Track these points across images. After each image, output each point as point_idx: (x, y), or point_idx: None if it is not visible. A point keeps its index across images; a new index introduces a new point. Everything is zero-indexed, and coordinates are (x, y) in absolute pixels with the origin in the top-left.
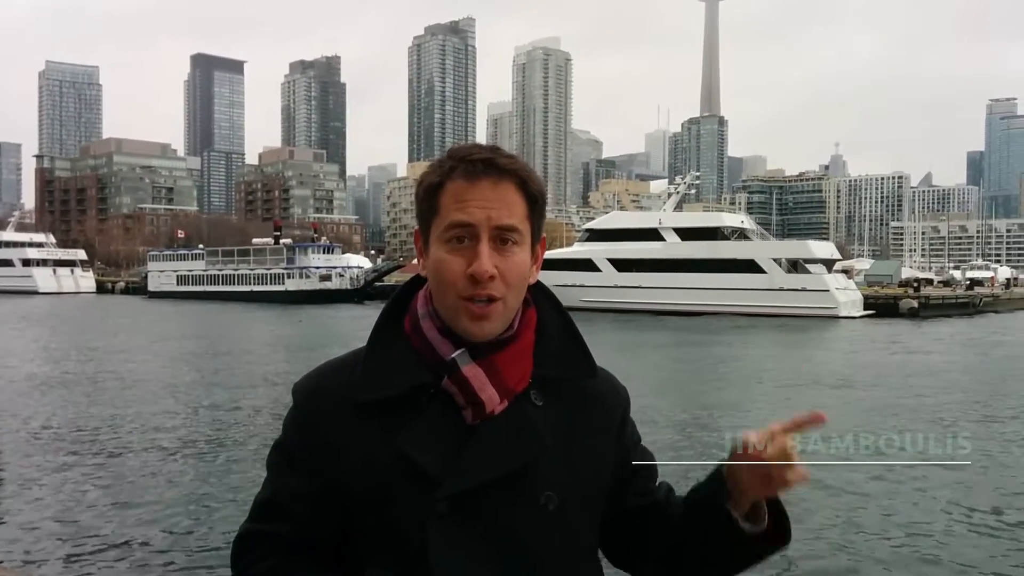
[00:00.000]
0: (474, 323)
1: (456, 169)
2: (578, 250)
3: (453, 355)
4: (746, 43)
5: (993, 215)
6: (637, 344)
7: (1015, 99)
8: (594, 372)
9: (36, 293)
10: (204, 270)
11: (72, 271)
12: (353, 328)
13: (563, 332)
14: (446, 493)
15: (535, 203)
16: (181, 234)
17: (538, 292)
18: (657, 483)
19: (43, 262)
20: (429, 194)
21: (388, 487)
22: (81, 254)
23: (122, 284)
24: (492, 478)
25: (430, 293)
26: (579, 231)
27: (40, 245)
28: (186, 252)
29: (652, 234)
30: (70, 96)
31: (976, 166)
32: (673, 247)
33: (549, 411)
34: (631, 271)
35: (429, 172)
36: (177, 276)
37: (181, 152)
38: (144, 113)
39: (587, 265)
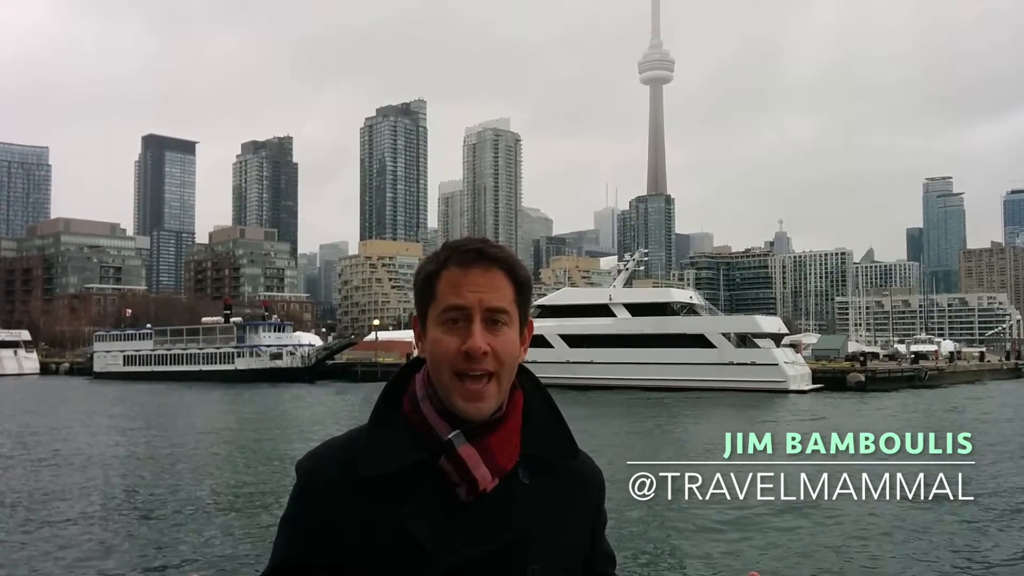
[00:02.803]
0: (469, 404)
1: (450, 259)
2: None
3: (450, 436)
4: (690, 124)
5: (934, 290)
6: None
7: (950, 178)
8: (576, 452)
9: None
10: (152, 350)
11: (15, 352)
12: (304, 409)
13: (547, 413)
14: (441, 567)
15: (521, 288)
16: (128, 313)
17: (523, 375)
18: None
19: None
20: (427, 282)
21: (385, 561)
22: (25, 335)
23: (67, 365)
24: (485, 553)
25: (428, 375)
26: (531, 307)
27: None
28: (133, 332)
29: (603, 310)
30: (18, 176)
31: (916, 242)
32: (624, 323)
33: (536, 488)
34: (582, 347)
35: (426, 263)
36: (124, 356)
37: (130, 232)
38: (94, 193)
39: (539, 341)
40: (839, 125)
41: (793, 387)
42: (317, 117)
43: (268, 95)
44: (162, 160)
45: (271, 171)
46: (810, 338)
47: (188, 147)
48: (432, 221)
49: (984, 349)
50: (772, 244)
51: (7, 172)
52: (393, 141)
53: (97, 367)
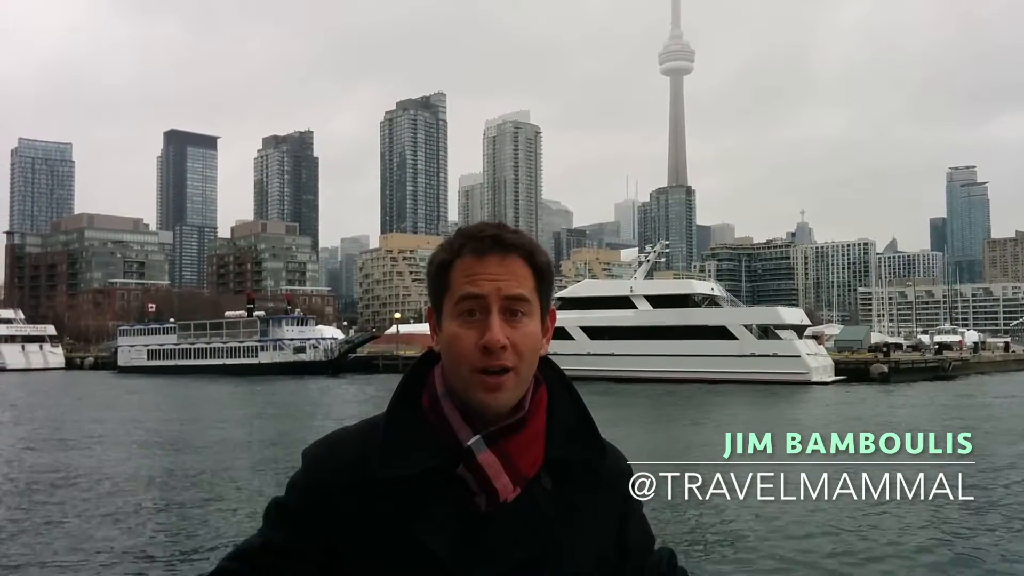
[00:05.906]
0: (488, 394)
1: (465, 246)
2: None
3: (469, 443)
4: (711, 115)
5: (958, 280)
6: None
7: (974, 167)
8: (603, 453)
9: (4, 369)
10: (176, 344)
11: (41, 347)
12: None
13: (573, 412)
14: None
15: (542, 275)
16: (152, 308)
17: (548, 369)
18: (655, 555)
19: (11, 338)
20: (440, 271)
21: (395, 570)
22: (50, 329)
23: (91, 359)
24: (506, 568)
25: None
26: (552, 296)
27: (9, 321)
28: (157, 326)
29: (624, 302)
30: (42, 173)
31: (939, 232)
32: (645, 315)
33: (559, 493)
34: (603, 339)
35: (440, 251)
36: (148, 350)
37: (153, 227)
38: (117, 189)
39: (559, 333)
40: (863, 119)
41: (815, 379)
42: (341, 113)
43: (294, 92)
44: (184, 155)
45: (292, 165)
46: (832, 329)
47: (210, 142)
48: (452, 214)
49: (1009, 339)
50: (794, 235)
51: (31, 168)
52: (413, 135)
53: (121, 361)
